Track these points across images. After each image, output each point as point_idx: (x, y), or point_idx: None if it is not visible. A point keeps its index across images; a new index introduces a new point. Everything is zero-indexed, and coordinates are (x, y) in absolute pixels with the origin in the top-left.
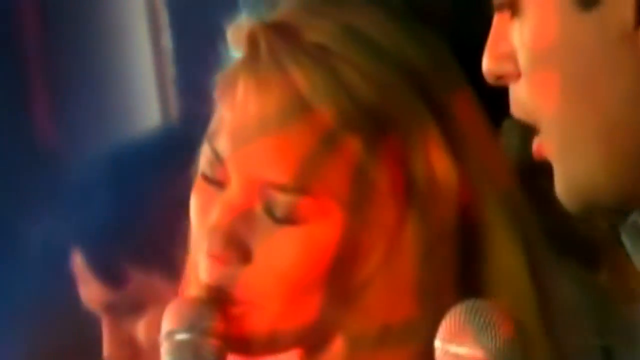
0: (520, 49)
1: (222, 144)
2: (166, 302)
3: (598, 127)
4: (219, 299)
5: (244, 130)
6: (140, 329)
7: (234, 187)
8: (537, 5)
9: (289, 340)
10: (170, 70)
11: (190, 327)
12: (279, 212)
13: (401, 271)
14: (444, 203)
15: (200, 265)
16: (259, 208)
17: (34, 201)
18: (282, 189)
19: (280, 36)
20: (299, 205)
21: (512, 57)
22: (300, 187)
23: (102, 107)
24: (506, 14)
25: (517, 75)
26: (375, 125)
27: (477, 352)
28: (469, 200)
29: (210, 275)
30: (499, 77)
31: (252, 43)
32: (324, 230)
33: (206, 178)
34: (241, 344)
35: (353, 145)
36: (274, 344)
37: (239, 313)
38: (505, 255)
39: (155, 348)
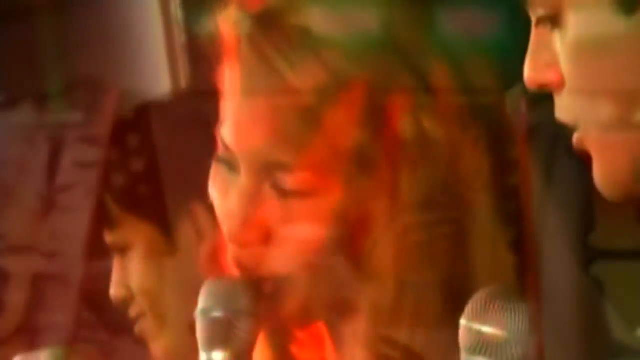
0: (563, 56)
1: (227, 132)
2: (151, 246)
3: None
4: (250, 279)
5: (241, 118)
6: (131, 271)
7: (243, 173)
8: (579, 15)
9: (318, 312)
10: (180, 40)
11: (225, 306)
12: (286, 189)
13: (403, 229)
14: (436, 161)
15: (228, 249)
16: (268, 188)
17: None
18: (284, 167)
19: (262, 26)
20: (301, 181)
21: (554, 66)
22: (299, 164)
23: (112, 77)
24: (546, 27)
25: (561, 83)
26: (363, 99)
27: (499, 331)
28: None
29: (236, 258)
30: (542, 85)
31: (238, 35)
32: (328, 201)
33: (222, 163)
34: (275, 320)
35: (343, 120)
36: (306, 317)
37: (271, 290)
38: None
39: (143, 292)
